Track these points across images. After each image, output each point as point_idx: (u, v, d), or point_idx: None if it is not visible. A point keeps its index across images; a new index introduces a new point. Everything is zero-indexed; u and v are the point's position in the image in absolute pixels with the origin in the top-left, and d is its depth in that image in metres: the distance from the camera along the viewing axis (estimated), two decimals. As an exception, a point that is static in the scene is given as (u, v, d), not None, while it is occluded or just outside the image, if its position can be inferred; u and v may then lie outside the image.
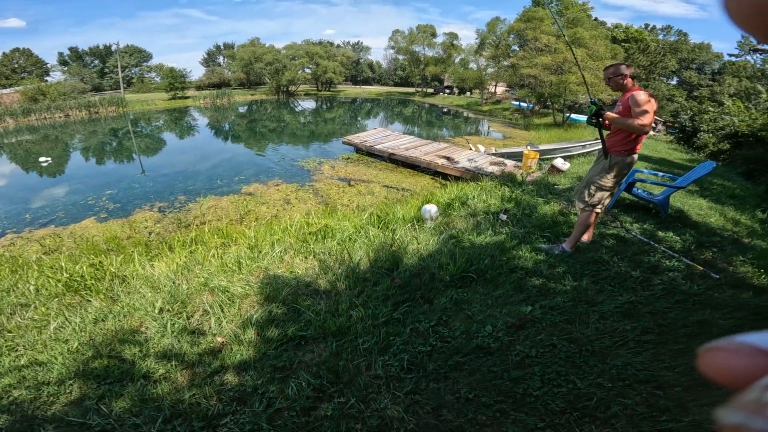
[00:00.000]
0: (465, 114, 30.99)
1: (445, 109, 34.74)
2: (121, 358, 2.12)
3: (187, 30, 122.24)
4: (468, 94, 46.53)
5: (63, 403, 1.83)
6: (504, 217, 4.33)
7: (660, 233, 4.18)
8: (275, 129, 19.56)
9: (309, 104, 37.67)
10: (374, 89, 59.16)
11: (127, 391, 1.84)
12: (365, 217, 4.25)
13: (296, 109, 32.40)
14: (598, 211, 3.27)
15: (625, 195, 5.07)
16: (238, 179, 8.68)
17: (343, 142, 11.27)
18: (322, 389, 1.84)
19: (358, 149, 10.84)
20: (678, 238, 4.10)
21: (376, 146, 10.05)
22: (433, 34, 46.41)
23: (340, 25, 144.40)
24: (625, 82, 3.01)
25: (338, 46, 61.42)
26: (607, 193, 3.19)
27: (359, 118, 27.27)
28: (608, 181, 3.15)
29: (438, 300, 2.66)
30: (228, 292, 2.72)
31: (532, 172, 7.55)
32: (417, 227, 4.08)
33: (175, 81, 36.33)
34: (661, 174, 5.42)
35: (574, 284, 2.86)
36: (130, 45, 52.23)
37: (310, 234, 3.89)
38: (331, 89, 52.85)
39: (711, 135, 14.27)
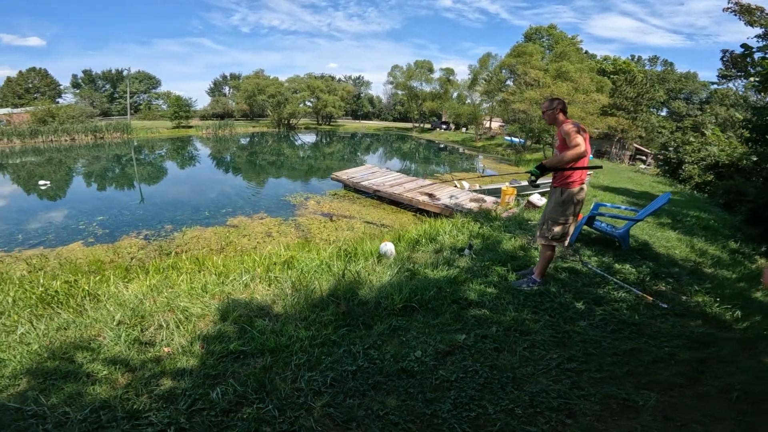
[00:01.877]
0: (460, 150, 31.71)
1: (442, 145, 35.55)
2: (72, 360, 2.31)
3: (193, 58, 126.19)
4: (464, 129, 47.73)
5: (9, 393, 2.03)
6: (468, 252, 4.50)
7: (617, 265, 4.29)
8: (274, 162, 20.11)
9: (309, 138, 38.66)
10: (373, 124, 60.84)
11: (66, 386, 2.04)
12: (329, 251, 4.44)
13: (296, 143, 33.28)
14: (555, 244, 3.40)
15: (589, 229, 5.23)
16: (225, 211, 8.93)
17: (332, 178, 11.62)
18: (245, 396, 1.99)
19: (346, 185, 11.15)
20: (634, 270, 4.20)
21: (362, 182, 10.35)
22: (431, 70, 48.02)
23: (343, 59, 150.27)
24: (557, 115, 3.26)
25: (339, 80, 63.49)
26: (565, 226, 3.34)
27: (358, 154, 27.93)
28: (563, 214, 3.31)
29: (377, 326, 2.79)
30: (187, 311, 2.93)
31: (510, 208, 7.76)
32: (379, 261, 4.25)
33: (180, 110, 37.51)
34: (623, 207, 5.61)
35: (514, 315, 2.97)
36: (141, 71, 53.68)
37: (275, 264, 4.08)
38: (331, 123, 54.37)
39: (695, 166, 14.50)
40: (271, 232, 7.39)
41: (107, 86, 54.27)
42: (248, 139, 33.96)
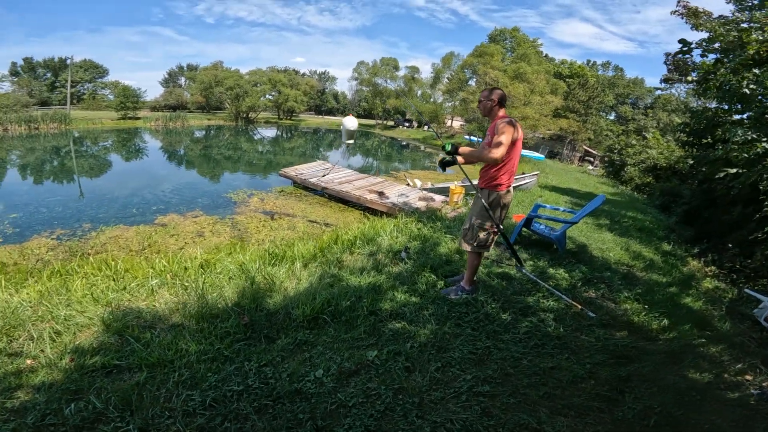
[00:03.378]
0: (422, 148, 31.84)
1: (404, 143, 35.60)
2: None
3: (151, 48, 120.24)
4: (425, 128, 48.13)
5: None
6: (404, 255, 4.27)
7: (551, 270, 4.21)
8: (230, 157, 19.09)
9: (269, 132, 37.46)
10: (337, 120, 59.97)
11: None
12: (249, 253, 4.07)
13: (255, 137, 32.05)
14: (481, 251, 3.19)
15: (528, 230, 5.16)
16: (156, 209, 8.23)
17: (279, 174, 11.12)
18: (104, 413, 1.83)
19: (295, 182, 10.70)
20: (567, 275, 4.12)
21: (310, 179, 9.95)
22: (396, 67, 48.01)
23: (311, 54, 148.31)
24: (494, 107, 3.01)
25: (303, 74, 62.23)
26: (490, 232, 3.13)
27: (321, 149, 27.22)
28: (489, 218, 3.08)
29: (281, 340, 2.50)
30: (69, 321, 2.67)
31: (458, 208, 7.68)
32: (307, 265, 3.93)
33: (127, 100, 35.15)
34: (562, 209, 5.61)
35: (434, 328, 2.74)
36: (87, 60, 50.81)
37: (185, 270, 3.69)
38: (293, 118, 53.11)
39: (635, 168, 15.24)
40: (203, 232, 6.83)
41: (48, 75, 50.47)
42: (203, 132, 32.27)
